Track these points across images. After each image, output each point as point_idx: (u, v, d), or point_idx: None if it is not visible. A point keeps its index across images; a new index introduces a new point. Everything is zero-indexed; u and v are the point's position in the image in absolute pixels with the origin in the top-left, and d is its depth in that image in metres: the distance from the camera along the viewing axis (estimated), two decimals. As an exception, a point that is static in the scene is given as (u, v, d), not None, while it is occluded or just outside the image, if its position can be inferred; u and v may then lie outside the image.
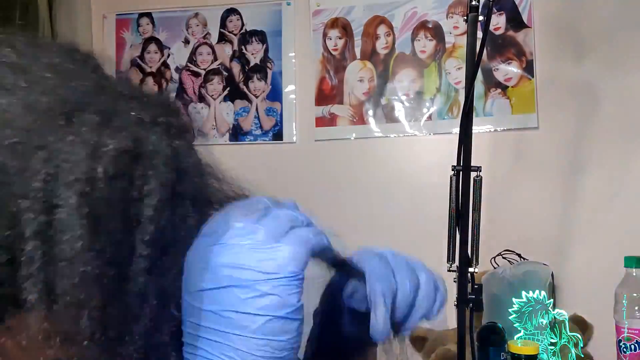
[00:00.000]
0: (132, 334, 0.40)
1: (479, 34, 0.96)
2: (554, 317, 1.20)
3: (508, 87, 1.59)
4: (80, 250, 0.36)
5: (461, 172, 0.98)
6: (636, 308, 1.03)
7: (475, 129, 1.11)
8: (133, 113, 0.41)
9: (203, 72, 1.76)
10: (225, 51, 1.75)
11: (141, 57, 1.79)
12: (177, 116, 0.45)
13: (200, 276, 0.39)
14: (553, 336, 1.19)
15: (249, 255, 0.38)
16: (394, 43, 1.66)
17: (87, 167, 0.37)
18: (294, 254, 0.39)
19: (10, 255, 0.36)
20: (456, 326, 1.02)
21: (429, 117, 1.63)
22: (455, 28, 1.63)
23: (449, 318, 1.31)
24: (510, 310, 1.20)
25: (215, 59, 1.76)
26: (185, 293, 0.40)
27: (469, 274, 0.98)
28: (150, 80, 1.78)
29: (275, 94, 1.72)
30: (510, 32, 1.60)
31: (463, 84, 1.38)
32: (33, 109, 0.38)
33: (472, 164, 0.98)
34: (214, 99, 1.74)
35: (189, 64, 1.76)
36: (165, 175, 0.41)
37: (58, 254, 0.36)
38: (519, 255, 1.46)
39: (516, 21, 1.60)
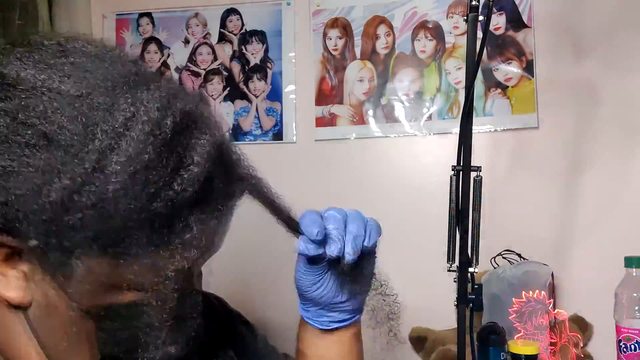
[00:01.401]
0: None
1: (479, 34, 0.96)
2: (554, 317, 1.20)
3: (508, 87, 1.59)
4: (137, 173, 0.44)
5: (461, 172, 0.98)
6: (636, 308, 1.03)
7: (475, 129, 1.11)
8: (188, 90, 0.53)
9: (203, 72, 1.76)
10: (225, 51, 1.75)
11: (141, 57, 1.79)
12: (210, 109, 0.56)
13: None
14: (553, 336, 1.19)
15: None
16: (394, 43, 1.66)
17: (161, 113, 0.47)
18: None
19: (98, 197, 0.44)
20: (456, 326, 1.02)
21: (429, 117, 1.63)
22: (455, 28, 1.63)
23: (449, 318, 1.31)
24: (510, 310, 1.20)
25: (215, 59, 1.76)
26: None
27: (469, 274, 0.98)
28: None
29: (275, 94, 1.72)
30: (510, 32, 1.60)
31: (463, 84, 1.38)
32: (115, 76, 0.48)
33: (472, 164, 0.98)
34: (214, 99, 1.74)
35: (189, 64, 1.76)
36: (215, 138, 0.51)
37: (127, 156, 0.44)
38: (519, 255, 1.46)
39: (516, 21, 1.60)
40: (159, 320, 0.47)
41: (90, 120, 0.45)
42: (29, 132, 0.44)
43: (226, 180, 0.53)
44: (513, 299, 1.20)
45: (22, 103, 0.45)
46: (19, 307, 0.47)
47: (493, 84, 1.60)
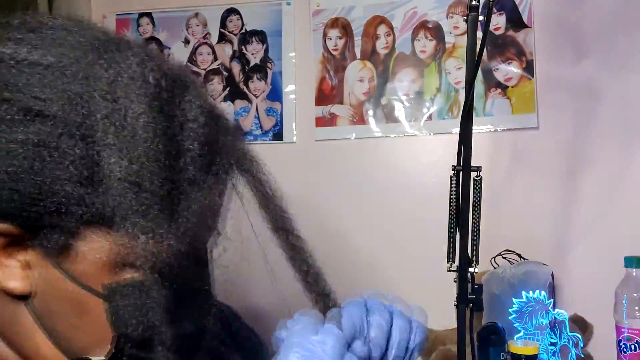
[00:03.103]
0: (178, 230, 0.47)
1: (479, 34, 0.96)
2: (554, 317, 1.20)
3: (508, 87, 1.59)
4: (147, 131, 0.44)
5: (461, 172, 0.98)
6: (636, 308, 1.03)
7: (475, 129, 1.11)
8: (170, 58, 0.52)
9: (203, 72, 1.76)
10: (225, 51, 1.75)
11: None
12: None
13: None
14: (553, 336, 1.19)
15: None
16: (394, 43, 1.66)
17: (140, 72, 0.46)
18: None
19: (91, 167, 0.44)
20: (456, 326, 1.02)
21: (429, 117, 1.63)
22: (455, 28, 1.63)
23: (449, 318, 1.31)
24: (510, 310, 1.20)
25: (215, 59, 1.76)
26: None
27: (469, 274, 0.98)
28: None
29: (275, 94, 1.72)
30: (510, 32, 1.60)
31: (463, 84, 1.38)
32: (83, 43, 0.47)
33: (472, 164, 0.98)
34: (214, 99, 1.74)
35: (189, 64, 1.76)
36: (204, 97, 0.50)
37: (126, 131, 0.44)
38: (519, 255, 1.46)
39: (516, 21, 1.60)
40: (165, 296, 0.45)
41: (68, 88, 0.45)
42: (6, 107, 0.44)
43: (223, 147, 0.51)
44: (513, 299, 1.20)
45: None
46: (22, 298, 0.46)
47: (493, 84, 1.60)
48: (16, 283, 0.45)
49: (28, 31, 0.48)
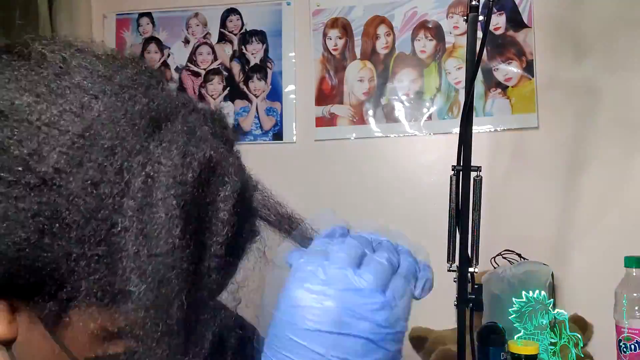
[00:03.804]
0: (197, 333, 0.43)
1: (479, 34, 0.96)
2: (554, 317, 1.19)
3: (508, 87, 1.59)
4: (173, 246, 0.39)
5: (461, 172, 0.98)
6: (636, 308, 1.03)
7: (475, 129, 1.11)
8: (206, 127, 0.45)
9: (203, 72, 1.76)
10: (225, 51, 1.75)
11: (141, 57, 1.79)
12: (228, 128, 0.49)
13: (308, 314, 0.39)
14: (553, 336, 1.19)
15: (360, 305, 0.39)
16: (394, 43, 1.66)
17: (180, 171, 0.41)
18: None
19: (105, 250, 0.39)
20: (456, 326, 1.02)
21: (429, 117, 1.63)
22: (455, 28, 1.63)
23: (449, 318, 1.31)
24: (510, 310, 1.20)
25: (215, 58, 1.76)
26: (285, 329, 0.39)
27: (469, 274, 0.98)
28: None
29: (275, 94, 1.72)
30: (510, 32, 1.60)
31: (463, 84, 1.38)
32: (123, 116, 0.41)
33: (472, 164, 0.98)
34: (214, 99, 1.74)
35: (189, 64, 1.76)
36: (236, 184, 0.44)
37: (153, 249, 0.39)
38: (519, 255, 1.46)
39: (516, 21, 1.60)
40: None
41: (95, 170, 0.40)
42: (20, 168, 0.39)
43: (247, 225, 0.47)
44: (513, 299, 1.20)
45: (15, 137, 0.39)
46: (3, 342, 0.42)
47: (493, 84, 1.60)
48: (1, 327, 0.42)
49: (64, 74, 0.42)
